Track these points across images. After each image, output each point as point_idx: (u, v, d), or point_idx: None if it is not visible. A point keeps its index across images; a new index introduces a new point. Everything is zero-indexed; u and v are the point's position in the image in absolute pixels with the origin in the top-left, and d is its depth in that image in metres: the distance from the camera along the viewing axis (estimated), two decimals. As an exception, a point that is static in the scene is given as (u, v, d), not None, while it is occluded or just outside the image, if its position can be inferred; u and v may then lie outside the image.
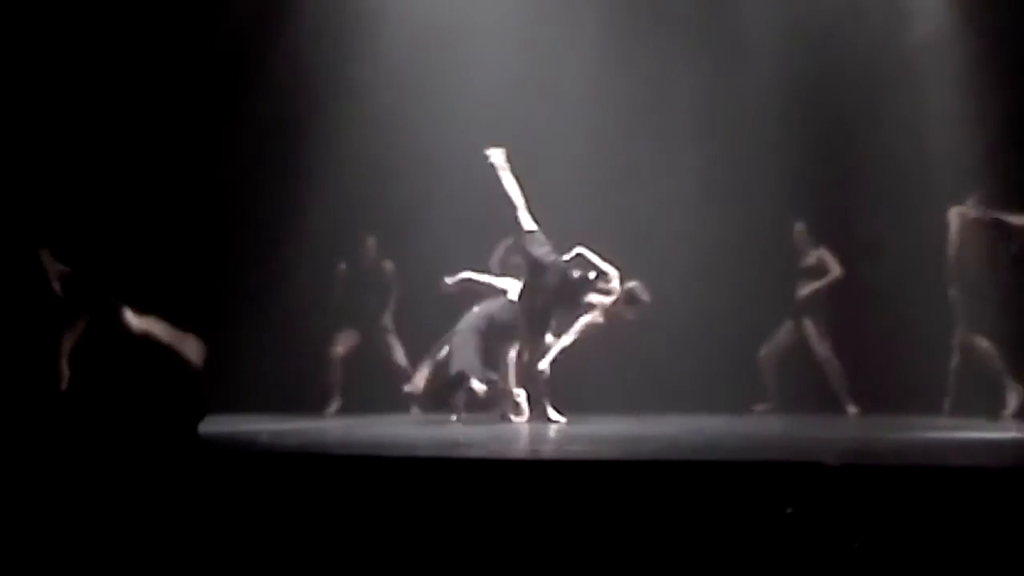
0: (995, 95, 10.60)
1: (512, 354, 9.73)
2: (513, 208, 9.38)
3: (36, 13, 11.31)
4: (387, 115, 11.09)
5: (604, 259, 9.86)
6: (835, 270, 11.06)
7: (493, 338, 9.65)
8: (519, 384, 9.67)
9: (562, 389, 10.98)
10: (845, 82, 11.25)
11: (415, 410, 10.66)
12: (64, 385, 10.19)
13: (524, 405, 9.68)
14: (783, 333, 11.16)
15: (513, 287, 9.71)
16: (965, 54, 10.78)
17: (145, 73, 11.38)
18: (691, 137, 11.34)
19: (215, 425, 7.99)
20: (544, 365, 9.61)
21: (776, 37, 11.26)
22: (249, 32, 11.42)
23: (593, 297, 9.57)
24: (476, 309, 9.76)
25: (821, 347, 10.99)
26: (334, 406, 11.21)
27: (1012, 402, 9.97)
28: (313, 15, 11.51)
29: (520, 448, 7.36)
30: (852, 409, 10.85)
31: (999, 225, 9.38)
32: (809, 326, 11.02)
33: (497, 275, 10.43)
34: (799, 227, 11.23)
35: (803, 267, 11.14)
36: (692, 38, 11.57)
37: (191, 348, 10.37)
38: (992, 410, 9.95)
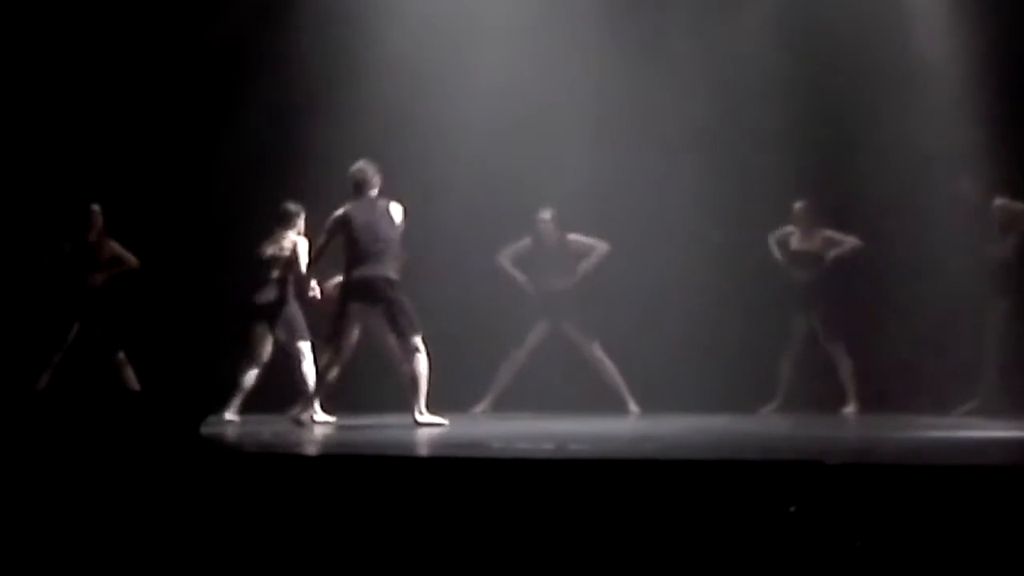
0: (997, 94, 10.61)
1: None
2: None
3: (43, 11, 11.34)
4: (389, 112, 11.08)
5: None
6: (849, 239, 10.99)
7: None
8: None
9: (564, 388, 11.03)
10: (847, 83, 11.22)
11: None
12: (43, 383, 10.26)
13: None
14: (792, 332, 11.09)
15: None
16: (967, 58, 10.79)
17: (143, 69, 11.40)
18: (692, 135, 11.32)
19: (217, 425, 8.00)
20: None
21: (778, 35, 11.25)
22: (251, 28, 11.41)
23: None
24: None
25: (831, 341, 10.95)
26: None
27: None
28: (316, 11, 11.50)
29: (523, 447, 7.37)
30: (850, 408, 10.83)
31: None
32: (819, 318, 10.98)
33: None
34: (799, 205, 11.13)
35: (803, 250, 11.06)
36: (694, 34, 11.55)
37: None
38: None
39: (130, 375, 10.59)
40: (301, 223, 10.03)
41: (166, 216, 11.33)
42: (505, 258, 11.17)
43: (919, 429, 8.72)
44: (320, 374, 9.62)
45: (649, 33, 11.54)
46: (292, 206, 10.06)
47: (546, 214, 11.13)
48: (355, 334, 9.92)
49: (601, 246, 11.07)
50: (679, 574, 5.25)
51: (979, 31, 10.71)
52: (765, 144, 11.11)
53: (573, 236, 11.12)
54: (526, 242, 11.15)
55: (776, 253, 11.10)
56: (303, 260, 9.84)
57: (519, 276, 11.12)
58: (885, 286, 11.05)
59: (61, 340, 10.51)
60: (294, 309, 9.99)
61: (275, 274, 9.98)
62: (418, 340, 9.29)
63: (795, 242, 11.11)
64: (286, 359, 9.95)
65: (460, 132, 11.07)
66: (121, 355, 10.64)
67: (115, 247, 10.71)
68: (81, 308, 10.59)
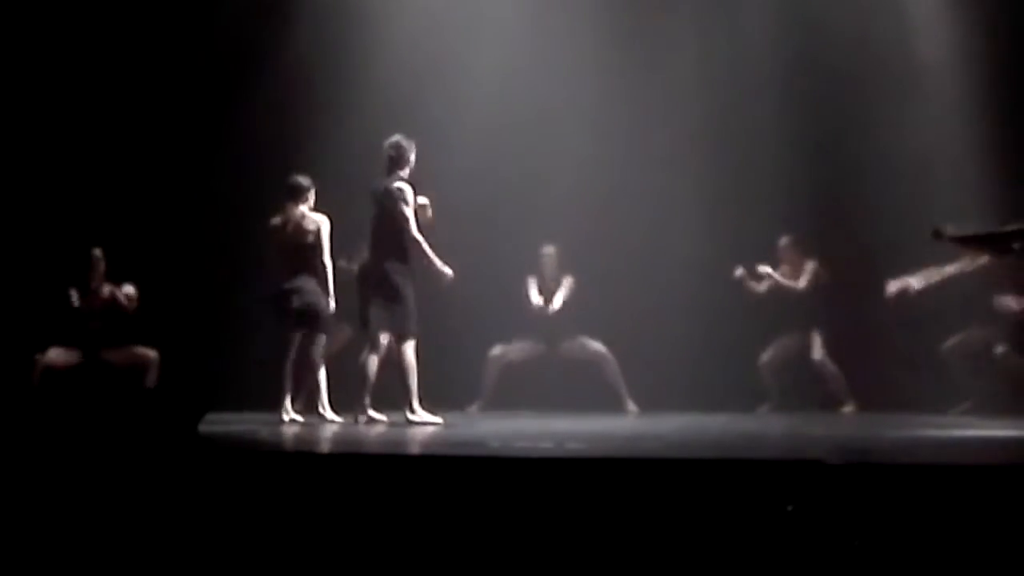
0: (998, 102, 10.65)
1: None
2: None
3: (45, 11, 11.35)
4: (388, 112, 11.08)
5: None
6: (801, 283, 11.04)
7: None
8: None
9: (562, 387, 11.04)
10: (848, 89, 11.23)
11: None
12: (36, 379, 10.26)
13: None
14: (782, 342, 11.12)
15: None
16: (969, 66, 10.82)
17: (141, 69, 11.40)
18: (692, 138, 11.33)
19: (215, 424, 8.00)
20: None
21: (778, 40, 11.26)
22: (251, 27, 11.41)
23: None
24: None
25: (818, 352, 10.99)
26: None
27: None
28: (314, 10, 11.51)
29: (520, 445, 7.37)
30: (848, 407, 10.85)
31: None
32: (811, 335, 11.02)
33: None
34: (784, 241, 11.19)
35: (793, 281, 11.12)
36: (693, 38, 11.56)
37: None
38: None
39: (154, 376, 10.55)
40: (312, 197, 9.75)
41: (166, 214, 11.33)
42: (532, 290, 11.24)
43: (917, 428, 8.74)
44: (363, 368, 9.33)
45: (650, 36, 11.55)
46: (303, 180, 9.74)
47: (549, 249, 11.22)
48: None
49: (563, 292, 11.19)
50: (677, 573, 5.26)
51: (980, 32, 10.74)
52: (765, 148, 11.13)
53: (569, 280, 11.17)
54: (532, 282, 11.21)
55: (749, 287, 11.12)
56: (327, 243, 9.63)
57: (536, 299, 11.21)
58: (884, 283, 11.06)
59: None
60: (320, 297, 9.65)
61: (300, 258, 9.63)
62: (409, 336, 9.24)
63: (787, 277, 11.15)
64: (297, 350, 9.76)
65: (460, 130, 11.07)
66: (155, 355, 10.61)
67: (112, 292, 10.65)
68: (84, 345, 10.59)
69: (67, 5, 11.41)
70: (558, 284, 11.23)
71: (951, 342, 10.55)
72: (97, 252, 10.66)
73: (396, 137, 9.39)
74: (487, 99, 11.18)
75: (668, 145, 11.35)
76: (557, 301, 11.15)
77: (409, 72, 11.34)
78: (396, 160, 9.32)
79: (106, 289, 10.66)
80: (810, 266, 11.12)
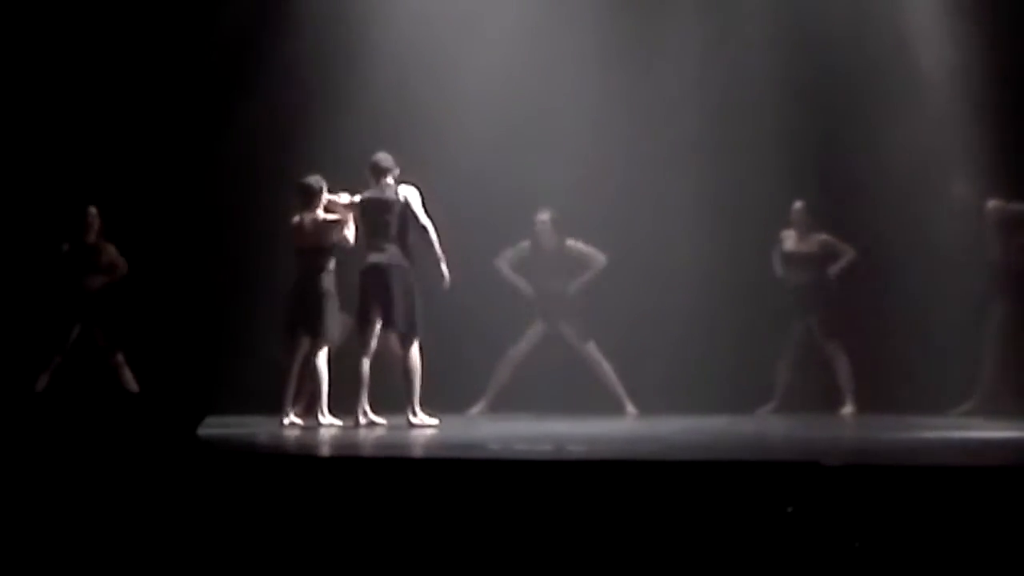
0: (994, 97, 10.66)
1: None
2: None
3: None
4: (387, 116, 11.09)
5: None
6: (845, 247, 11.01)
7: None
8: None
9: (562, 389, 11.03)
10: (848, 91, 11.24)
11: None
12: (42, 385, 10.26)
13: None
14: (793, 334, 11.10)
15: None
16: (967, 71, 10.84)
17: (143, 66, 11.40)
18: (692, 135, 11.32)
19: (214, 427, 8.00)
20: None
21: (777, 43, 11.26)
22: (249, 30, 11.41)
23: None
24: None
25: (829, 342, 10.97)
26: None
27: None
28: (313, 12, 11.51)
29: (520, 448, 7.37)
30: (848, 409, 10.83)
31: None
32: (816, 319, 11.00)
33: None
34: (797, 205, 11.14)
35: (799, 251, 11.09)
36: (694, 40, 11.55)
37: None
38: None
39: (128, 377, 10.58)
40: (325, 198, 9.58)
41: (165, 215, 11.32)
42: (504, 262, 11.11)
43: (916, 430, 8.74)
44: (357, 371, 9.34)
45: (650, 38, 11.54)
46: (315, 181, 9.57)
47: (544, 215, 11.07)
48: (379, 325, 9.44)
49: (599, 260, 10.97)
50: (677, 575, 5.26)
51: (977, 35, 10.75)
52: (764, 150, 11.13)
53: (572, 242, 11.10)
54: (524, 245, 11.14)
55: (777, 268, 11.14)
56: (349, 243, 9.58)
57: (518, 281, 11.09)
58: (883, 286, 11.07)
59: (61, 343, 10.50)
60: (328, 302, 9.53)
61: (313, 260, 9.51)
62: (414, 336, 9.29)
63: (791, 244, 11.12)
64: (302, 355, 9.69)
65: (461, 131, 11.06)
66: (120, 356, 10.63)
67: (111, 251, 10.69)
68: (79, 310, 10.57)
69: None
70: (557, 254, 11.16)
71: (989, 331, 10.54)
72: (92, 210, 10.68)
73: (382, 152, 9.51)
74: (488, 100, 11.16)
75: (668, 146, 11.33)
76: (578, 284, 10.99)
77: (409, 74, 11.34)
78: (387, 170, 9.43)
79: (108, 248, 10.65)
80: (821, 237, 11.07)
